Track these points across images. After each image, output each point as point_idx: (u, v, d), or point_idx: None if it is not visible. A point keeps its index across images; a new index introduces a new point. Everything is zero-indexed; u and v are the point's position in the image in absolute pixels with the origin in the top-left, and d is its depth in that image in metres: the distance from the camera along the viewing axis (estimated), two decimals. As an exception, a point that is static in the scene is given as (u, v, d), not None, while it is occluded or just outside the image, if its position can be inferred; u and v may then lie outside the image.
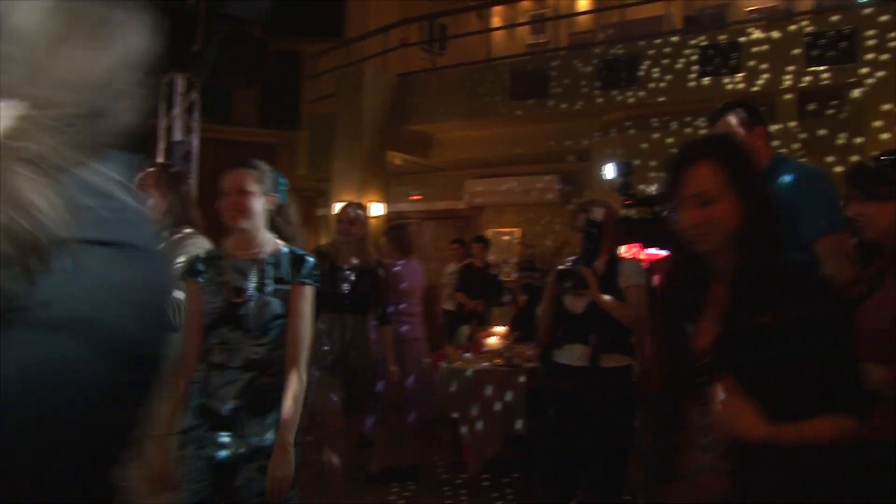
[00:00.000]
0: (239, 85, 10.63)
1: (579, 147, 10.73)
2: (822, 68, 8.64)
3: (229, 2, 8.79)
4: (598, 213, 3.69)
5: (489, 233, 11.49)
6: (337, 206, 10.73)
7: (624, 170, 4.31)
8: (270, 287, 2.78)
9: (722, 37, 9.33)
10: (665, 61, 9.54)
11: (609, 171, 4.55)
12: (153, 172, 3.38)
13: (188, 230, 3.31)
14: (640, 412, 3.90)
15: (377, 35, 12.14)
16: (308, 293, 2.82)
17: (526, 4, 14.81)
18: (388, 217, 11.12)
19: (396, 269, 5.85)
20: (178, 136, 9.37)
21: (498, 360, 5.91)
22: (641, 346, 3.87)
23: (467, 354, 6.28)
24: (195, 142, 9.45)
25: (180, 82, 9.46)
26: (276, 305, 2.76)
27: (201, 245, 3.24)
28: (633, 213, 3.61)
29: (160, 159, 9.32)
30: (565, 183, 11.61)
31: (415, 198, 13.01)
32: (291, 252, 2.87)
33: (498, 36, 13.88)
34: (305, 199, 13.54)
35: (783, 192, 2.79)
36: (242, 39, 9.22)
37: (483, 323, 8.33)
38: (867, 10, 8.48)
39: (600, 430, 3.84)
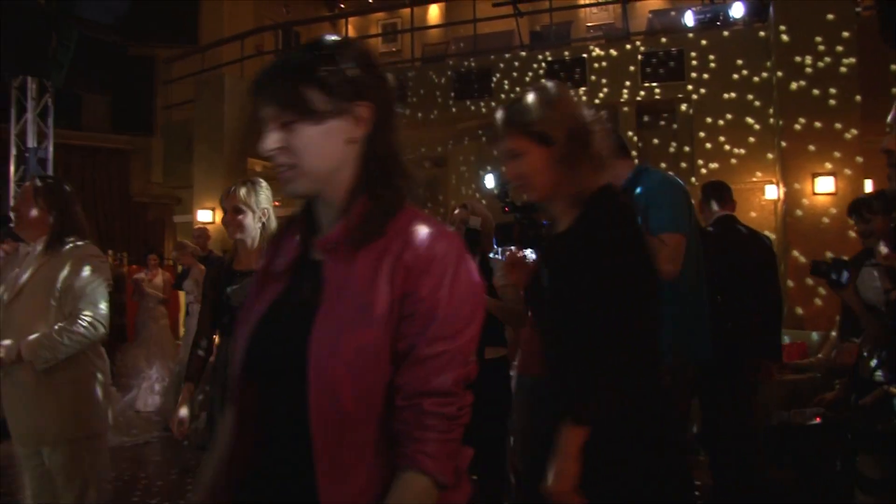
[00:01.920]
0: (93, 89, 10.43)
1: (434, 154, 11.19)
2: (654, 84, 9.46)
3: (81, 3, 8.68)
4: (475, 222, 4.01)
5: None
6: (199, 214, 10.76)
7: (503, 179, 4.63)
8: None
9: (566, 53, 10.01)
10: (515, 74, 10.13)
11: (489, 180, 4.90)
12: (29, 187, 3.39)
13: (74, 239, 3.32)
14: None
15: (233, 41, 12.18)
16: None
17: (378, 15, 15.17)
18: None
19: None
20: (31, 142, 9.12)
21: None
22: (517, 338, 4.21)
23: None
24: (50, 148, 9.23)
25: (33, 86, 9.21)
26: None
27: (91, 253, 3.33)
28: (511, 218, 3.88)
29: (12, 166, 9.08)
30: (425, 189, 12.00)
31: (275, 204, 13.07)
32: None
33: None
34: (161, 206, 13.37)
35: (641, 197, 3.14)
36: (97, 42, 9.10)
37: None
38: (690, 35, 9.37)
39: (481, 417, 4.12)
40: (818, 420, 4.86)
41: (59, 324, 3.10)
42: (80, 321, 3.12)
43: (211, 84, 11.58)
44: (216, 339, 3.50)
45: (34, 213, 3.31)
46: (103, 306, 3.22)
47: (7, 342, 3.09)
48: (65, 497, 3.14)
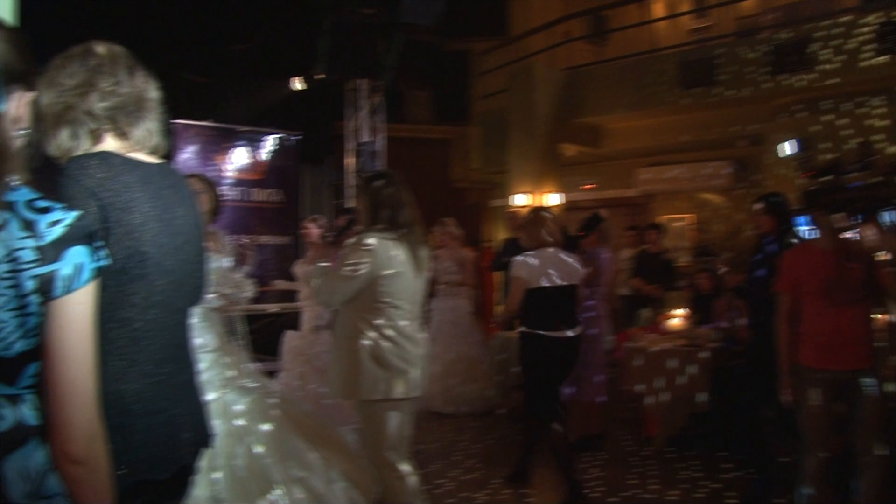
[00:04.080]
0: (417, 86, 11.27)
1: (748, 132, 10.75)
2: None
3: (406, 10, 9.37)
4: None
5: (662, 219, 11.63)
6: (514, 198, 11.26)
7: (803, 145, 4.47)
8: None
9: (897, 13, 9.08)
10: (836, 42, 9.37)
11: (787, 147, 4.71)
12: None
13: (376, 231, 3.68)
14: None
15: (542, 31, 12.51)
16: None
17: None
18: (565, 207, 11.50)
19: (604, 256, 6.30)
20: (364, 137, 10.11)
21: (680, 341, 6.20)
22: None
23: (650, 335, 6.58)
24: (380, 141, 10.17)
25: (364, 87, 10.21)
26: None
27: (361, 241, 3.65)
28: (813, 184, 3.79)
29: (350, 159, 10.09)
30: (738, 168, 11.57)
31: (587, 187, 13.30)
32: None
33: (660, 24, 13.89)
34: (480, 190, 14.10)
35: None
36: (418, 43, 9.78)
37: (659, 307, 8.57)
38: None
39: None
40: None
41: None
42: None
43: (522, 73, 12.00)
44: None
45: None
46: None
47: None
48: None
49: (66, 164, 1.83)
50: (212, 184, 4.20)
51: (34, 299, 1.33)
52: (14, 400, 1.35)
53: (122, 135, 1.92)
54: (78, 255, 1.37)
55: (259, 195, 9.79)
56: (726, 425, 5.99)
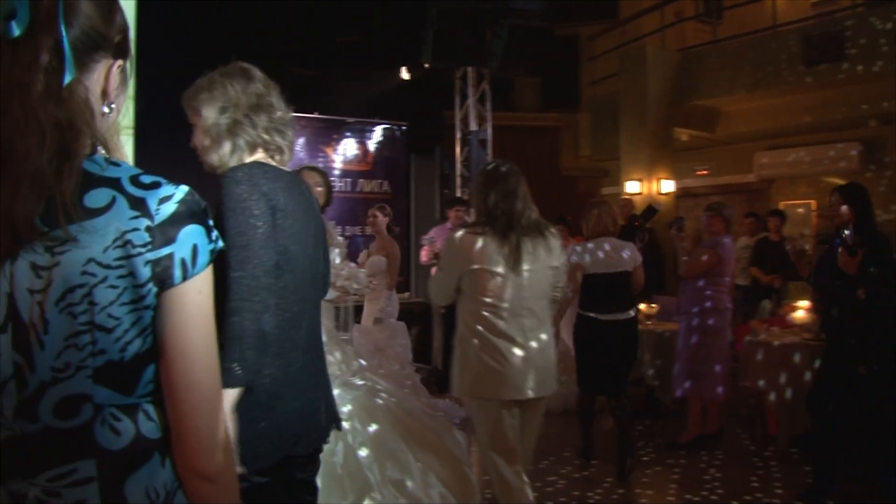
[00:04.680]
0: (525, 73, 11.09)
1: (879, 110, 10.06)
2: None
3: (513, -4, 9.22)
4: None
5: (781, 205, 11.11)
6: (627, 185, 10.96)
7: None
8: None
9: None
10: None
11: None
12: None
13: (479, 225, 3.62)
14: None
15: (652, 12, 12.12)
16: None
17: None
18: (678, 194, 11.13)
19: (727, 244, 6.01)
20: (472, 126, 10.01)
21: (806, 335, 5.85)
22: None
23: (773, 328, 6.25)
24: (489, 130, 10.05)
25: (472, 75, 10.10)
26: None
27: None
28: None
29: (458, 148, 10.01)
30: (866, 149, 10.91)
31: (702, 173, 12.86)
32: None
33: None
34: (590, 178, 13.83)
35: None
36: (525, 28, 9.60)
37: (780, 298, 8.17)
38: None
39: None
40: None
41: None
42: None
43: (633, 56, 11.66)
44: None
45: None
46: None
47: None
48: None
49: (228, 171, 2.13)
50: (327, 176, 4.31)
51: (151, 289, 1.15)
52: (132, 411, 1.18)
53: (273, 149, 2.27)
54: (193, 236, 1.18)
55: (367, 186, 9.85)
56: (854, 425, 5.62)
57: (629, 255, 5.44)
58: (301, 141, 9.33)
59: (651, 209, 8.26)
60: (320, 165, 8.04)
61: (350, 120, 9.84)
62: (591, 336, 5.43)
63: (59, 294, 1.10)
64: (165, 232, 1.15)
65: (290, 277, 2.14)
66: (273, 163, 2.27)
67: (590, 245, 5.43)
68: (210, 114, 2.21)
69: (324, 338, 3.95)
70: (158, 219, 1.15)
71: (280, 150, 2.29)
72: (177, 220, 1.17)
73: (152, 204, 1.16)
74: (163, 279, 1.16)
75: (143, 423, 1.18)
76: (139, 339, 1.15)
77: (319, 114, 9.60)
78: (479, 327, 3.49)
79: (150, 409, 1.20)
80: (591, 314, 5.42)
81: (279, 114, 2.29)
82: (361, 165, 9.82)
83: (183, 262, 1.17)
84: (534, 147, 13.23)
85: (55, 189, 1.09)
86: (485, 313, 3.49)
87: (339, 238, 4.53)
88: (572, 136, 13.57)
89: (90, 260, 1.11)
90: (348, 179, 9.70)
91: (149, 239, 1.14)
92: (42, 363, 1.10)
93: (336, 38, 10.10)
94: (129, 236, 1.13)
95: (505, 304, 3.49)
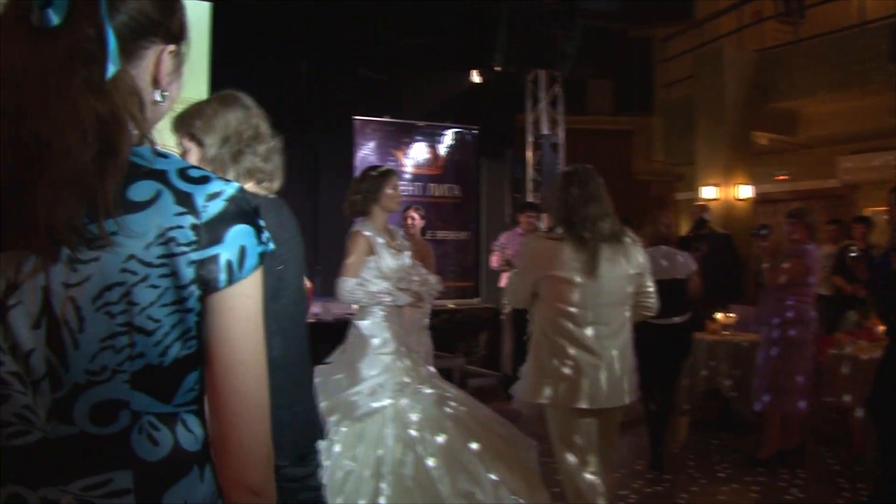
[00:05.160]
0: (598, 75, 10.91)
1: None
2: None
3: (585, -2, 9.07)
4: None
5: (867, 212, 10.67)
6: (703, 191, 10.69)
7: None
8: None
9: None
10: None
11: None
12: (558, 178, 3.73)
13: (556, 231, 3.58)
14: None
15: (730, 12, 11.82)
16: None
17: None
18: (756, 199, 10.81)
19: (813, 252, 5.76)
20: (544, 129, 9.86)
21: None
22: None
23: (860, 341, 5.96)
24: (561, 133, 9.89)
25: (543, 78, 9.96)
26: None
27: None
28: None
29: (529, 153, 9.89)
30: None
31: (781, 178, 12.46)
32: None
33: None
34: (663, 183, 13.56)
35: None
36: (598, 30, 9.43)
37: (866, 309, 7.83)
38: None
39: None
40: None
41: None
42: None
43: (710, 57, 11.40)
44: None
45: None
46: None
47: None
48: None
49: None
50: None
51: (194, 291, 1.08)
52: (170, 420, 1.10)
53: (265, 176, 2.39)
54: (242, 236, 1.10)
55: (437, 190, 9.79)
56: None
57: (684, 263, 5.70)
58: (371, 145, 9.32)
59: (702, 220, 8.32)
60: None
61: (421, 124, 9.79)
62: (647, 339, 5.40)
63: (97, 291, 1.03)
64: (212, 231, 1.08)
65: (285, 301, 2.35)
66: (262, 189, 2.41)
67: (647, 252, 5.39)
68: (212, 143, 2.29)
69: (393, 345, 3.94)
70: (205, 216, 1.08)
71: (271, 177, 2.41)
72: (225, 219, 1.09)
73: (199, 200, 1.08)
74: (207, 282, 1.08)
75: (181, 434, 1.11)
76: (179, 343, 1.08)
77: (390, 118, 9.58)
78: (555, 334, 3.46)
79: (190, 419, 1.13)
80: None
81: (272, 142, 2.42)
82: (432, 170, 9.77)
83: (229, 265, 1.09)
84: (606, 151, 13.04)
85: (97, 188, 1.01)
86: (561, 320, 3.45)
87: (404, 240, 4.45)
88: (645, 140, 13.34)
89: (131, 257, 1.04)
90: (419, 184, 9.65)
91: (194, 238, 1.07)
92: (76, 364, 1.04)
93: (406, 42, 10.08)
94: (172, 233, 1.06)
95: (581, 312, 3.44)
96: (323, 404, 3.71)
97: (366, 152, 9.19)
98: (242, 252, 1.10)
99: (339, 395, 3.78)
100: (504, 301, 8.03)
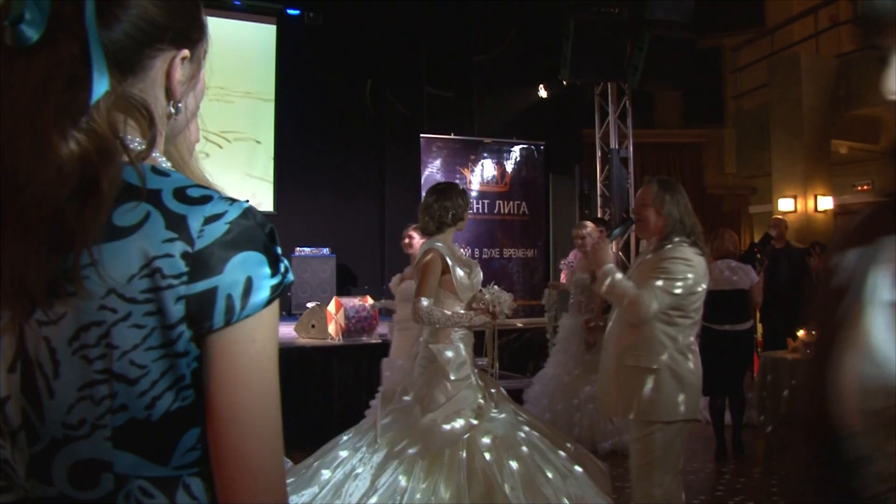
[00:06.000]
0: (667, 87, 10.64)
1: None
2: None
3: (654, 7, 8.87)
4: None
5: (956, 222, 10.19)
6: (780, 203, 10.33)
7: None
8: None
9: None
10: None
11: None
12: (647, 189, 3.55)
13: (678, 240, 3.41)
14: None
15: (804, 17, 11.46)
16: None
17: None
18: (836, 211, 10.41)
19: None
20: (613, 143, 9.66)
21: None
22: None
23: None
24: (630, 147, 9.67)
25: (612, 91, 9.76)
26: None
27: (682, 254, 3.34)
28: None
29: (598, 167, 9.70)
30: None
31: (863, 188, 12.00)
32: None
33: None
34: (736, 196, 13.20)
35: None
36: (666, 40, 9.21)
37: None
38: None
39: None
40: None
41: None
42: None
43: (784, 65, 11.04)
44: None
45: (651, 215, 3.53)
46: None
47: None
48: None
49: None
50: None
51: (184, 332, 0.89)
52: (168, 486, 0.93)
53: None
54: (247, 266, 0.91)
55: (504, 207, 9.66)
56: None
57: (746, 275, 6.24)
58: (437, 162, 9.24)
59: (767, 236, 8.78)
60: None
61: (487, 140, 9.68)
62: (711, 344, 5.86)
63: (73, 332, 0.87)
64: (208, 260, 0.89)
65: None
66: None
67: (713, 265, 5.65)
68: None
69: (469, 368, 3.80)
70: (201, 243, 0.89)
71: None
72: (226, 245, 0.90)
73: (194, 224, 0.90)
74: (199, 321, 0.89)
75: (182, 502, 0.93)
76: (171, 394, 0.90)
77: (455, 134, 9.50)
78: (692, 346, 3.41)
79: (194, 483, 0.95)
80: (712, 325, 6.02)
81: None
82: (499, 187, 9.64)
83: (229, 300, 0.90)
84: (676, 165, 12.77)
85: (77, 231, 0.85)
86: (691, 332, 3.43)
87: (469, 258, 4.32)
88: (716, 153, 13.00)
89: (110, 291, 0.87)
90: (485, 201, 9.53)
91: (185, 269, 0.88)
92: (52, 416, 0.88)
93: (472, 58, 10.00)
94: (158, 263, 0.88)
95: (695, 322, 3.47)
96: (392, 433, 3.61)
97: (432, 170, 9.12)
98: (248, 285, 0.90)
99: (412, 423, 3.65)
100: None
